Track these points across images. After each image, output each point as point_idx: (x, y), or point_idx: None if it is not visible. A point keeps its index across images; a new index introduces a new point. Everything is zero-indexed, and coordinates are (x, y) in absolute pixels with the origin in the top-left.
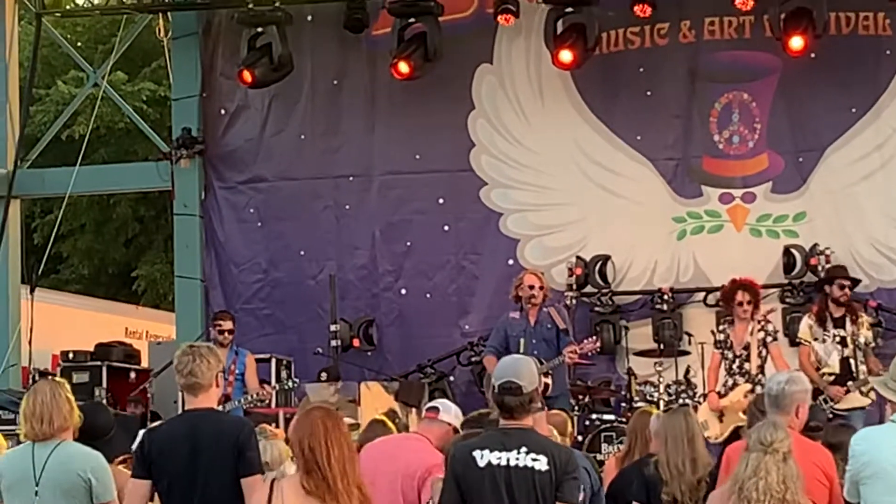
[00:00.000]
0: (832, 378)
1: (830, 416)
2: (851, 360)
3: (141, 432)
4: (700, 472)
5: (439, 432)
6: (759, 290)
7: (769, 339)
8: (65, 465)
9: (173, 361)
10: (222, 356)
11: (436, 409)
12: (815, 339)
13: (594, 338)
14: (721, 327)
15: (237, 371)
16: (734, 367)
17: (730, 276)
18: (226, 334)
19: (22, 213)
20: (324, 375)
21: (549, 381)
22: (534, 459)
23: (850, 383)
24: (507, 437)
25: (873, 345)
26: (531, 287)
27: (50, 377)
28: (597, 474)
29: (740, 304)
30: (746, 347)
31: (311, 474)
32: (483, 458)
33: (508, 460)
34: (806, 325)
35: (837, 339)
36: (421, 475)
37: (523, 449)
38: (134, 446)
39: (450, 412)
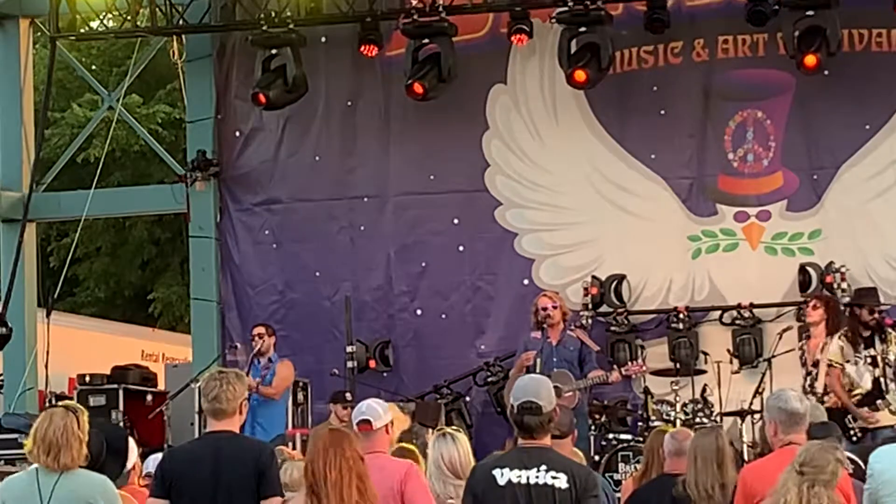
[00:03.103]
0: (861, 398)
1: (860, 434)
2: (882, 379)
3: (132, 448)
4: (729, 496)
5: (383, 438)
6: (836, 306)
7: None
8: (73, 492)
9: (200, 385)
10: (263, 365)
11: (367, 422)
12: (847, 362)
13: (640, 362)
14: (801, 342)
15: (265, 382)
16: (805, 385)
17: (746, 295)
18: (255, 339)
19: (38, 236)
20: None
21: (578, 396)
22: (554, 477)
23: (878, 402)
24: (527, 456)
25: None
26: (544, 308)
27: (69, 406)
28: (609, 494)
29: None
30: (816, 364)
31: (311, 496)
32: (503, 476)
33: (528, 478)
34: (837, 346)
35: (868, 359)
36: (397, 488)
37: (543, 467)
38: (128, 464)
39: (380, 417)
